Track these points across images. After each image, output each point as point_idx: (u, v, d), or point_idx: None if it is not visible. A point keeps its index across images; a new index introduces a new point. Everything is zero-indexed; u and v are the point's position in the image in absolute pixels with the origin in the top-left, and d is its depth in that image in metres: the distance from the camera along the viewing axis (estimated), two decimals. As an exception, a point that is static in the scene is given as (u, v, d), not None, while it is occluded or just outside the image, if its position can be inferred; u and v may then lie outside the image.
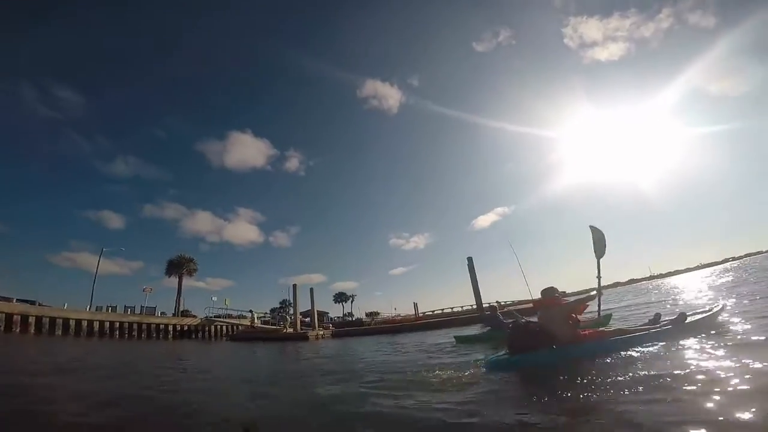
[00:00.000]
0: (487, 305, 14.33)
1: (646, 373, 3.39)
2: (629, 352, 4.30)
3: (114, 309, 29.89)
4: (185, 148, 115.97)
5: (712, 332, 4.73)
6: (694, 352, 3.98)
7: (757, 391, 2.56)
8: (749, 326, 4.81)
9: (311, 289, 33.60)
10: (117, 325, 24.03)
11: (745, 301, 7.87)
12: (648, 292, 23.31)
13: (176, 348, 17.86)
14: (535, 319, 5.28)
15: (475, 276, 24.37)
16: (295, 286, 31.83)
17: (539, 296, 5.35)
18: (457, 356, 7.22)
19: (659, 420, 2.33)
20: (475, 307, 25.26)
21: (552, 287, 5.23)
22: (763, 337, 4.00)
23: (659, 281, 48.07)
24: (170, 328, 29.47)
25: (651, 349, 4.35)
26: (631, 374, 3.39)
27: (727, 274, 24.80)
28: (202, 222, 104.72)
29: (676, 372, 3.27)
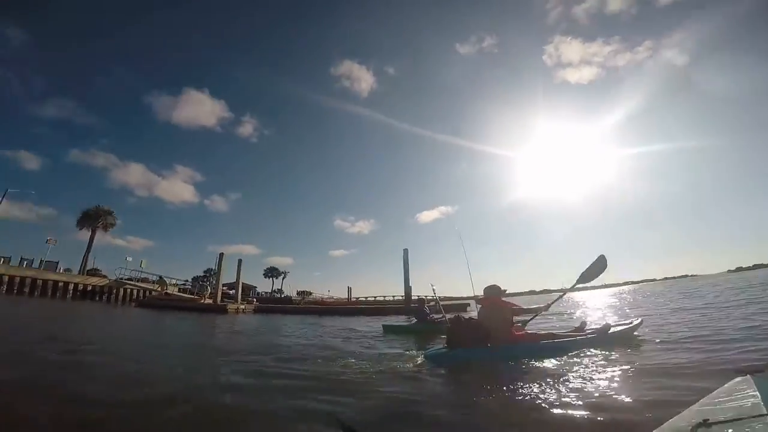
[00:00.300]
0: (416, 297, 14.14)
1: (571, 376, 3.59)
2: (558, 357, 4.48)
3: (8, 260, 25.77)
4: (131, 99, 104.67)
5: (632, 344, 5.10)
6: (613, 360, 4.28)
7: (654, 402, 2.72)
8: (660, 340, 5.33)
9: (239, 260, 31.64)
10: (6, 279, 20.67)
11: (658, 319, 8.52)
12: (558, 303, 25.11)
13: (57, 310, 15.61)
14: (471, 314, 5.33)
15: (408, 267, 24.22)
16: (221, 255, 29.71)
17: (482, 293, 5.32)
18: (385, 346, 6.94)
19: (574, 422, 2.48)
20: (404, 297, 25.19)
21: (495, 286, 5.21)
22: (673, 350, 4.52)
23: (569, 294, 52.70)
24: (71, 287, 26.12)
25: (578, 354, 4.59)
26: (558, 377, 3.56)
27: (623, 295, 27.59)
28: (133, 174, 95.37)
29: (596, 377, 3.50)
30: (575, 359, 4.34)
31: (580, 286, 5.55)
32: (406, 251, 24.23)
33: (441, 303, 10.28)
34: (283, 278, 61.90)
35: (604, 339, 5.05)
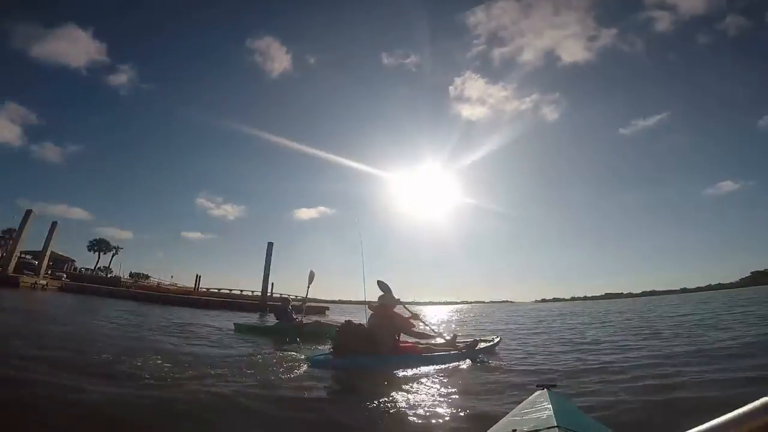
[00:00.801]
0: (279, 296, 12.82)
1: (445, 385, 3.88)
2: (436, 367, 4.89)
3: None
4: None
5: (494, 358, 5.75)
6: (475, 372, 4.78)
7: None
8: (517, 356, 6.01)
9: (54, 223, 24.96)
10: None
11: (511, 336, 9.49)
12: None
13: None
14: (358, 320, 5.30)
15: (270, 262, 22.39)
16: (29, 212, 23.02)
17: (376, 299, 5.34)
18: (247, 349, 6.05)
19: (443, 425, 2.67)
20: (260, 293, 23.09)
21: (390, 294, 5.31)
22: (523, 366, 5.11)
23: (420, 307, 57.99)
24: None
25: (451, 365, 5.06)
26: (435, 385, 3.84)
27: (462, 312, 31.42)
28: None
29: (460, 386, 3.83)
30: (449, 370, 4.81)
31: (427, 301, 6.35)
32: (270, 244, 22.62)
33: (306, 304, 9.63)
34: (114, 255, 49.91)
35: (472, 354, 5.56)
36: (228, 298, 26.16)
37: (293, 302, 10.18)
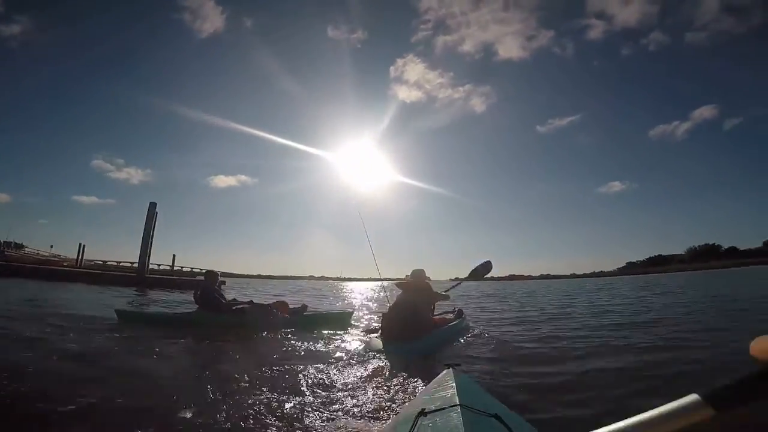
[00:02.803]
0: (204, 271, 8.87)
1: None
2: (466, 337, 5.20)
3: None
4: None
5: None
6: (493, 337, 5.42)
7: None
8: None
9: None
10: None
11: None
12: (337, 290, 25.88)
13: None
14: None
15: (152, 226, 18.16)
16: None
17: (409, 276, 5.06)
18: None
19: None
20: (128, 264, 19.31)
21: (422, 270, 5.07)
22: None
23: (346, 283, 57.33)
24: None
25: (470, 334, 5.45)
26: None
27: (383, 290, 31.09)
28: None
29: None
30: (475, 339, 5.16)
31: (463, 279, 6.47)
32: (152, 204, 18.45)
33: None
34: None
35: (466, 322, 5.92)
36: (93, 269, 21.65)
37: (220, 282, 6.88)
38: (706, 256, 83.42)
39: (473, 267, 5.98)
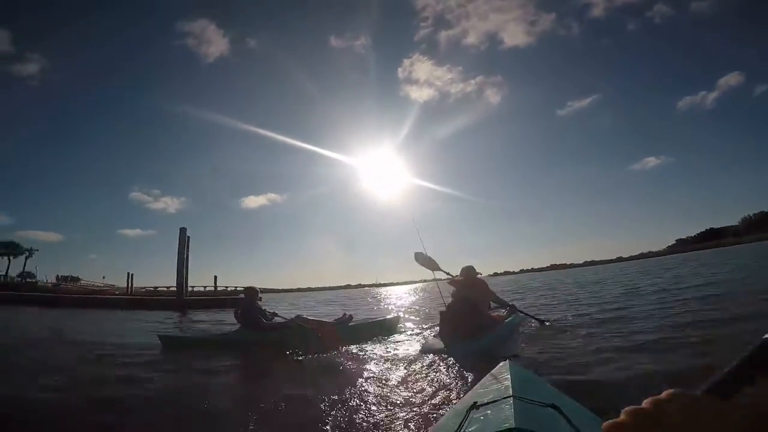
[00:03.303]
0: (242, 288, 8.30)
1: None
2: (522, 332, 5.00)
3: None
4: None
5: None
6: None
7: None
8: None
9: None
10: None
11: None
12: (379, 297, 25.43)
13: None
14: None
15: (185, 250, 18.25)
16: None
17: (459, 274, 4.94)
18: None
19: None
20: (175, 289, 19.14)
21: (472, 266, 4.94)
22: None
23: (382, 289, 56.79)
24: None
25: (529, 329, 5.22)
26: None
27: (421, 291, 30.24)
28: None
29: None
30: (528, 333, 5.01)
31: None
32: (183, 230, 18.55)
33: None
34: (27, 257, 42.67)
35: (521, 316, 5.57)
36: (136, 295, 22.08)
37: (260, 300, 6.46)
38: (763, 224, 75.87)
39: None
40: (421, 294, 21.98)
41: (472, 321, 4.18)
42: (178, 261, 18.28)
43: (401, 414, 2.36)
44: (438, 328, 4.52)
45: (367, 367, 3.77)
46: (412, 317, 8.21)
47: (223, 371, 4.09)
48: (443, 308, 4.52)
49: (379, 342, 5.15)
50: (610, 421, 0.34)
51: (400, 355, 4.17)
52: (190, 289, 30.53)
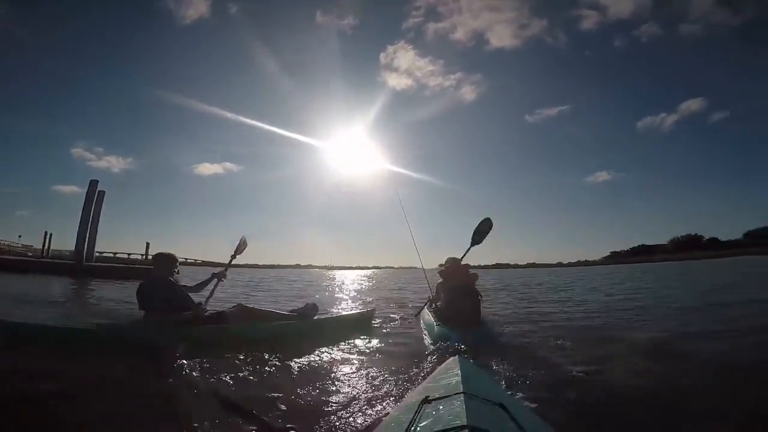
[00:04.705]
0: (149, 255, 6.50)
1: None
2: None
3: None
4: None
5: None
6: None
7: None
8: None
9: None
10: None
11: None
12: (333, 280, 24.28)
13: None
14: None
15: (93, 208, 15.53)
16: None
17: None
18: None
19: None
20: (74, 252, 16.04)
21: (456, 257, 4.89)
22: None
23: (335, 272, 55.58)
24: None
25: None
26: None
27: (370, 278, 29.59)
28: None
29: None
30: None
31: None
32: (93, 183, 15.95)
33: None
34: None
35: None
36: (61, 258, 19.22)
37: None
38: (689, 246, 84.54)
39: (474, 229, 5.16)
40: (376, 281, 21.18)
41: (475, 310, 4.29)
42: (81, 219, 15.65)
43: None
44: (430, 314, 4.67)
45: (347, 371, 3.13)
46: (386, 308, 7.45)
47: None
48: (432, 295, 4.82)
49: (353, 340, 4.16)
50: None
51: (390, 351, 3.77)
52: (111, 255, 27.53)
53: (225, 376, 2.80)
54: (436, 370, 1.63)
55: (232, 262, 4.63)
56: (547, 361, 3.31)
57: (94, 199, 15.92)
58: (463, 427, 0.90)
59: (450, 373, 1.46)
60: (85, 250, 15.53)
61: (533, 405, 2.08)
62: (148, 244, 30.11)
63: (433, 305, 4.91)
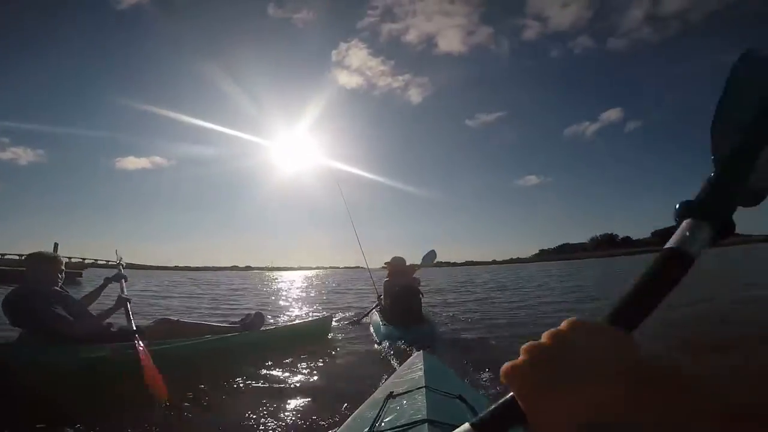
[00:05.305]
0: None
1: None
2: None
3: None
4: None
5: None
6: None
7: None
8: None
9: None
10: None
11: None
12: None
13: None
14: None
15: None
16: None
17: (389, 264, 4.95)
18: None
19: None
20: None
21: (403, 258, 5.02)
22: None
23: (277, 273, 52.69)
24: None
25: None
26: None
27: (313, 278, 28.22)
28: None
29: None
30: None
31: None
32: None
33: None
34: None
35: None
36: None
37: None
38: (606, 244, 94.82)
39: (423, 256, 5.70)
40: (321, 283, 20.17)
41: (418, 308, 4.45)
42: None
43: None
44: (377, 313, 4.79)
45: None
46: (336, 310, 7.12)
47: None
48: (379, 295, 4.91)
49: (310, 348, 3.82)
50: (509, 362, 0.31)
51: (345, 356, 3.70)
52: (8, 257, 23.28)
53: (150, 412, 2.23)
54: (403, 365, 1.69)
55: (121, 267, 3.62)
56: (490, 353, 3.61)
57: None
58: (424, 420, 0.95)
59: (414, 368, 1.52)
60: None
61: (491, 392, 2.25)
62: (56, 245, 26.11)
63: (380, 305, 5.04)
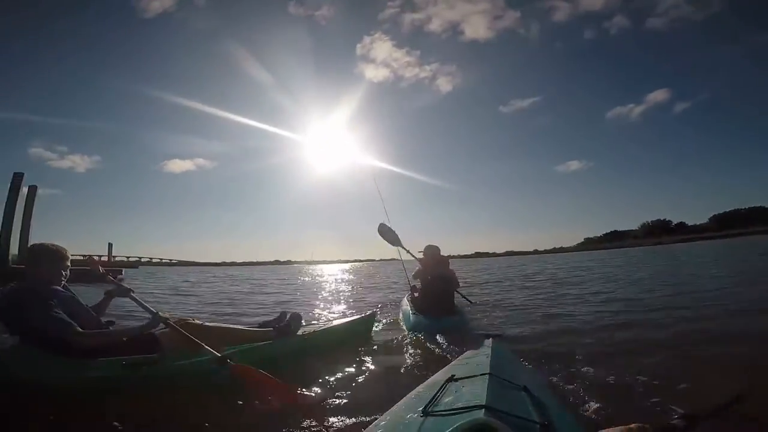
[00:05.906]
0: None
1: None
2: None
3: None
4: None
5: None
6: None
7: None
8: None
9: None
10: None
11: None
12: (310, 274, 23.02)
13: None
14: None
15: (14, 204, 13.37)
16: None
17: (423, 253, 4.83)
18: None
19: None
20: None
21: (437, 246, 4.80)
22: None
23: (316, 267, 53.75)
24: None
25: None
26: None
27: (352, 271, 28.44)
28: None
29: None
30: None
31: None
32: (17, 176, 13.61)
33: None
34: None
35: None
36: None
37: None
38: (658, 231, 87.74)
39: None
40: (361, 275, 20.03)
41: (449, 298, 4.40)
42: (4, 216, 13.29)
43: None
44: (408, 303, 4.64)
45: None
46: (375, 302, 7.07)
47: None
48: (415, 285, 4.77)
49: (349, 351, 3.36)
50: None
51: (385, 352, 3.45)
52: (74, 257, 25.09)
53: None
54: (469, 351, 1.70)
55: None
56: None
57: (16, 195, 13.68)
58: (481, 406, 0.93)
59: (480, 354, 1.57)
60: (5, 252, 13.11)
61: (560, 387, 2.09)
62: (110, 245, 27.92)
63: (412, 294, 4.91)
